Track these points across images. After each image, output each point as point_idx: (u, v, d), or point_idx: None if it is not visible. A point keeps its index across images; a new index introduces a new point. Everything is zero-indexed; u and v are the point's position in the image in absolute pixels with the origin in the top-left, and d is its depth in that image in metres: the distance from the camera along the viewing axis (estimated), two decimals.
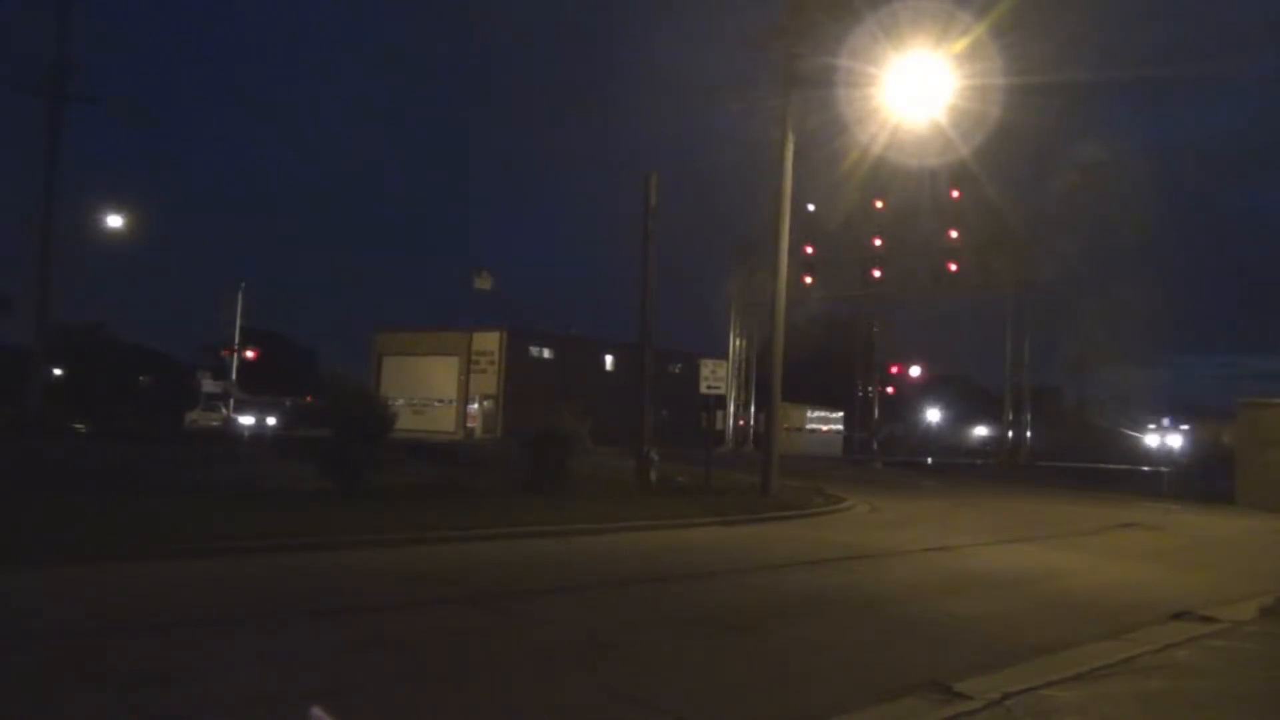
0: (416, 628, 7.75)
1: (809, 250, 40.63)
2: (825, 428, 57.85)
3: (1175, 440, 58.83)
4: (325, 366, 75.30)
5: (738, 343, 51.12)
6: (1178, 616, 9.19)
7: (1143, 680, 6.64)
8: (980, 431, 69.07)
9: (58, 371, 56.92)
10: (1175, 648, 7.73)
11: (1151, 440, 61.43)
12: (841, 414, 58.98)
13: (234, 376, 48.49)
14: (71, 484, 14.85)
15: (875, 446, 52.17)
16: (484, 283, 47.56)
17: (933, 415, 67.66)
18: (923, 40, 19.51)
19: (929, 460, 48.99)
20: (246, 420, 44.96)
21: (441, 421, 52.11)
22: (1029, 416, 47.14)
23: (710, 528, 15.46)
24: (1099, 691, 6.27)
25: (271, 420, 47.63)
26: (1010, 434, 47.08)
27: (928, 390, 62.48)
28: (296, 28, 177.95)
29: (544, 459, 18.12)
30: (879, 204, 39.12)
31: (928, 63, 19.30)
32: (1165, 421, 62.94)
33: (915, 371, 49.61)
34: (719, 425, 46.08)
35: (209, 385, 49.49)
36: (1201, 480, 31.80)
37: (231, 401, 47.41)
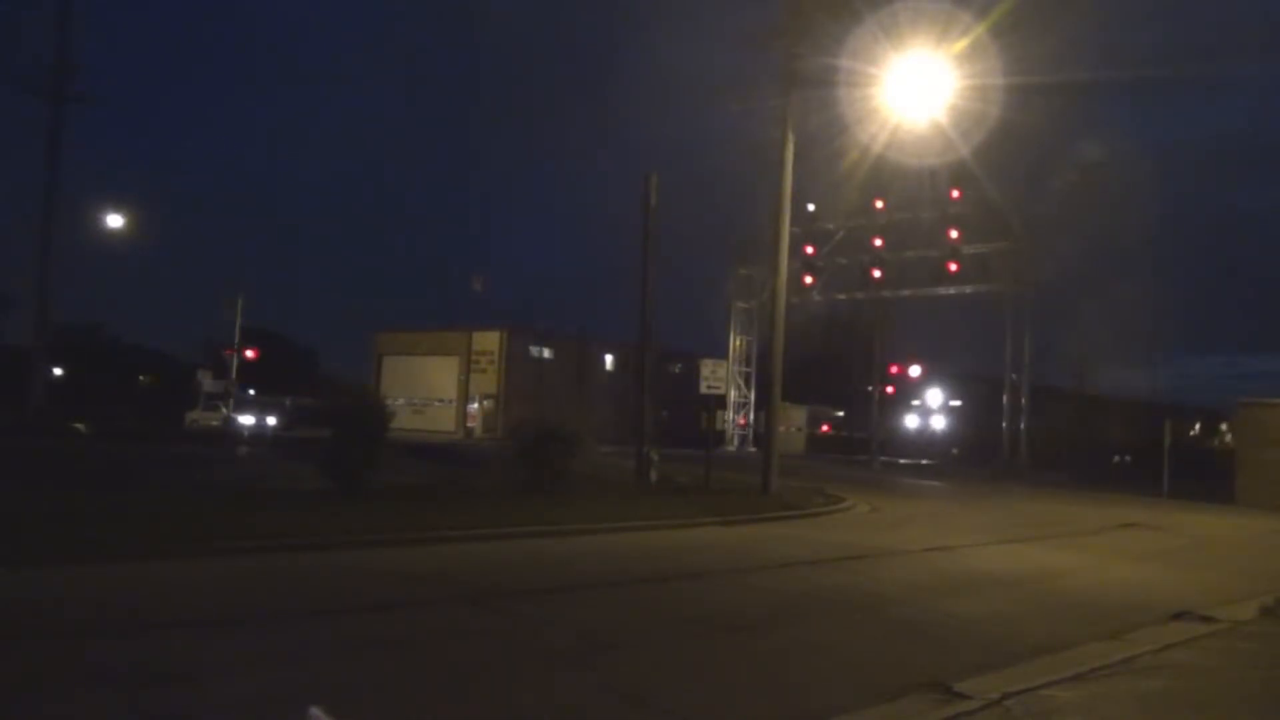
0: (417, 628, 7.74)
1: (809, 250, 40.64)
2: (825, 428, 57.83)
3: (939, 422, 49.02)
4: (325, 366, 75.59)
5: (738, 343, 51.12)
6: (1178, 616, 9.18)
7: (1143, 680, 6.64)
8: None
9: (58, 371, 56.97)
10: (1175, 648, 7.73)
11: (911, 422, 51.86)
12: (842, 414, 58.97)
13: (234, 376, 48.51)
14: (71, 483, 14.86)
15: (874, 446, 52.09)
16: (477, 284, 47.92)
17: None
18: (923, 40, 19.53)
19: (929, 460, 48.96)
20: (246, 420, 44.97)
21: (441, 421, 52.10)
22: (1028, 408, 46.97)
23: (710, 528, 15.46)
24: (1099, 691, 6.26)
25: (271, 420, 47.64)
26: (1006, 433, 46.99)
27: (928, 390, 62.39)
28: (297, 27, 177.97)
29: (544, 459, 18.11)
30: (879, 204, 39.15)
31: (928, 63, 19.31)
32: (931, 399, 48.25)
33: (915, 371, 49.57)
34: (719, 425, 46.02)
35: (209, 385, 49.51)
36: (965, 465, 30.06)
37: (231, 401, 47.44)
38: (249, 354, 48.95)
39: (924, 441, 44.99)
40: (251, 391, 56.24)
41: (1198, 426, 62.14)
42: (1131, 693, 6.32)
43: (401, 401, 44.63)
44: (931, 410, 47.09)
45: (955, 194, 36.51)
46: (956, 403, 50.50)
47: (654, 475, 21.13)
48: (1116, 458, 43.93)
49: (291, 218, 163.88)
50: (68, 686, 5.69)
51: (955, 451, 47.39)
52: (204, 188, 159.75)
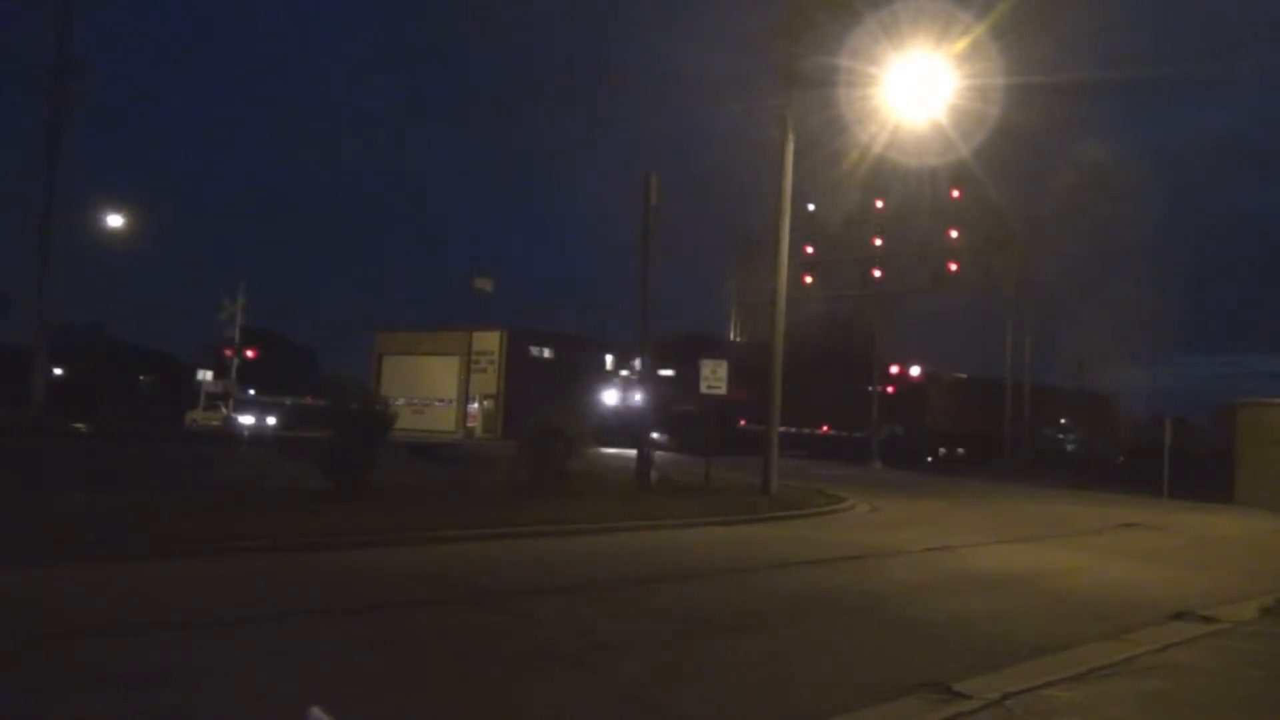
0: (417, 627, 7.75)
1: (809, 250, 40.61)
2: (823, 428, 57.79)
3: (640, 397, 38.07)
4: (325, 366, 75.65)
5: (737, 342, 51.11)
6: (1178, 616, 9.18)
7: (1142, 680, 6.64)
8: None
9: (58, 371, 56.95)
10: (1175, 648, 7.73)
11: (610, 398, 42.05)
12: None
13: (234, 376, 48.57)
14: (72, 483, 14.82)
15: (875, 447, 52.18)
16: (484, 284, 47.64)
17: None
18: (923, 40, 19.51)
19: (929, 460, 49.01)
20: (246, 420, 45.01)
21: (441, 421, 52.09)
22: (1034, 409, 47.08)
23: (710, 528, 15.46)
24: (1099, 691, 6.27)
25: (271, 420, 47.68)
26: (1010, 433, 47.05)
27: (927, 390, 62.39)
28: (296, 26, 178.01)
29: (544, 459, 18.12)
30: (879, 204, 39.14)
31: (928, 63, 19.30)
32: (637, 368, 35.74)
33: (915, 371, 49.60)
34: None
35: (209, 385, 49.59)
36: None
37: (231, 401, 47.49)
38: (249, 354, 49.02)
39: (621, 423, 34.65)
40: (251, 391, 56.30)
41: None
42: (1131, 693, 6.32)
43: (401, 401, 44.58)
44: (633, 382, 34.37)
45: (955, 194, 36.49)
46: (668, 372, 38.32)
47: (654, 475, 21.13)
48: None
49: (291, 217, 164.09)
50: (67, 685, 5.69)
51: (657, 436, 32.06)
52: (204, 187, 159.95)
